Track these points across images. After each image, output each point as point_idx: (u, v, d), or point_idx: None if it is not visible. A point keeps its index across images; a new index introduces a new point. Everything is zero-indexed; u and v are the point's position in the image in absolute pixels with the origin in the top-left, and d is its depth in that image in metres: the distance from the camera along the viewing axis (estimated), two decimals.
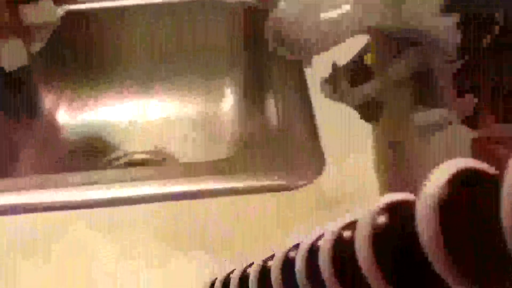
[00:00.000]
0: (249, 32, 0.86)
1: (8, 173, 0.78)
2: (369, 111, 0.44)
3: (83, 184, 0.59)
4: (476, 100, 0.41)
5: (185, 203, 0.56)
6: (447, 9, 0.39)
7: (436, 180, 0.18)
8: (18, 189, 0.59)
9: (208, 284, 0.35)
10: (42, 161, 0.82)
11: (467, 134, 0.41)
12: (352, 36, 0.40)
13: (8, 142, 0.80)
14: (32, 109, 0.86)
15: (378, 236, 0.21)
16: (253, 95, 0.86)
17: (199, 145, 0.87)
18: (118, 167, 0.84)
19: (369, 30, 0.41)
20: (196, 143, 0.87)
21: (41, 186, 0.59)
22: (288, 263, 0.26)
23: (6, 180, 0.69)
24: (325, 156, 0.60)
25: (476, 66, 0.41)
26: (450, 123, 0.42)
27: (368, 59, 0.43)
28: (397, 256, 0.20)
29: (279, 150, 0.67)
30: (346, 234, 0.23)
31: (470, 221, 0.17)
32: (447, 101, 0.42)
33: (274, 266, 0.27)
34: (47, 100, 0.87)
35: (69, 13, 0.84)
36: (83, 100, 0.89)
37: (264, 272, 0.28)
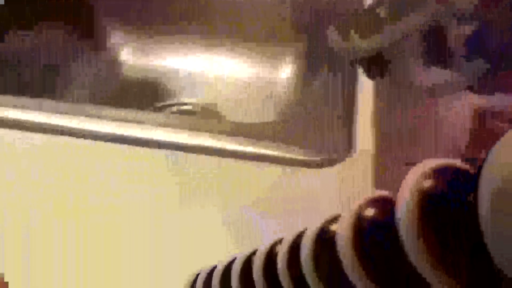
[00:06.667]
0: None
1: (61, 95, 0.81)
2: (374, 66, 0.43)
3: (127, 120, 0.60)
4: (487, 66, 0.39)
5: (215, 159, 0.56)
6: None
7: (415, 175, 0.19)
8: (63, 112, 0.61)
9: (192, 278, 0.35)
10: (95, 91, 0.86)
11: (470, 103, 0.39)
12: None
13: (68, 66, 0.84)
14: (97, 40, 0.89)
15: (360, 230, 0.21)
16: (313, 69, 0.85)
17: (248, 108, 0.87)
18: (166, 113, 0.86)
19: None
20: (245, 105, 0.87)
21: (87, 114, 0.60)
22: (271, 258, 0.26)
23: (54, 102, 0.70)
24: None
25: (490, 30, 0.39)
26: (459, 87, 0.40)
27: (382, 11, 0.42)
28: (378, 250, 0.20)
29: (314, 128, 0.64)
30: (329, 229, 0.23)
31: (449, 214, 0.18)
32: (456, 64, 0.40)
33: (257, 260, 0.27)
34: (114, 36, 0.91)
35: None
36: (149, 44, 0.92)
37: (247, 266, 0.28)
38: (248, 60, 0.92)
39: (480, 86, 0.39)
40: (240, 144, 0.57)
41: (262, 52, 0.91)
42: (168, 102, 0.88)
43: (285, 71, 0.90)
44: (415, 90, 0.41)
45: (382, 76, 0.43)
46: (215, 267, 0.32)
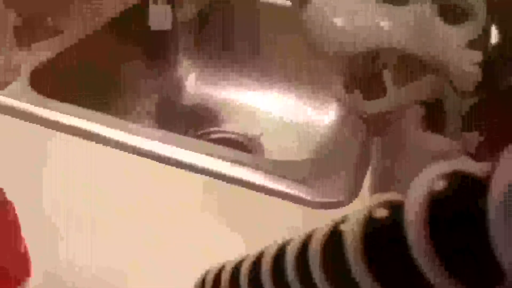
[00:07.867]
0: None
1: (125, 110, 0.88)
2: (376, 126, 0.44)
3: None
4: (481, 138, 0.41)
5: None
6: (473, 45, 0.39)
7: (426, 178, 0.19)
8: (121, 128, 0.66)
9: (201, 278, 0.34)
10: (152, 110, 0.92)
11: None
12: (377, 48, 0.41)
13: (134, 86, 0.91)
14: (166, 66, 0.96)
15: (368, 230, 0.21)
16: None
17: (287, 146, 0.89)
18: (210, 140, 0.90)
19: (394, 48, 0.42)
20: (286, 143, 0.90)
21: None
22: (279, 259, 0.26)
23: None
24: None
25: (490, 105, 0.40)
26: (457, 155, 0.42)
27: (387, 78, 0.44)
28: (385, 251, 0.21)
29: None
30: (338, 228, 0.23)
31: (457, 219, 0.18)
32: (454, 133, 0.42)
33: (266, 261, 0.27)
34: (182, 63, 0.97)
35: None
36: (210, 74, 0.97)
37: (256, 266, 0.28)
38: (297, 102, 0.95)
39: (477, 154, 0.41)
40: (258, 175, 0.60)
41: (310, 97, 0.94)
42: (213, 129, 0.93)
43: (327, 117, 0.93)
44: (413, 152, 0.42)
45: (382, 135, 0.44)
46: (223, 267, 0.32)
